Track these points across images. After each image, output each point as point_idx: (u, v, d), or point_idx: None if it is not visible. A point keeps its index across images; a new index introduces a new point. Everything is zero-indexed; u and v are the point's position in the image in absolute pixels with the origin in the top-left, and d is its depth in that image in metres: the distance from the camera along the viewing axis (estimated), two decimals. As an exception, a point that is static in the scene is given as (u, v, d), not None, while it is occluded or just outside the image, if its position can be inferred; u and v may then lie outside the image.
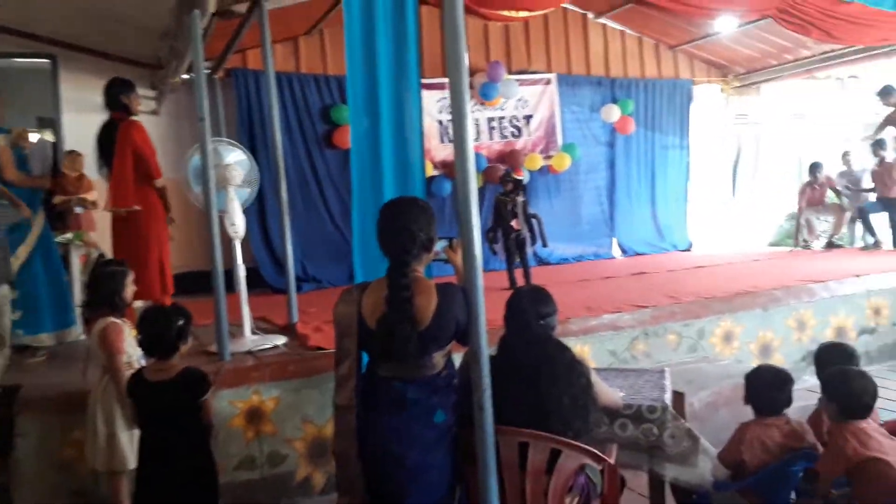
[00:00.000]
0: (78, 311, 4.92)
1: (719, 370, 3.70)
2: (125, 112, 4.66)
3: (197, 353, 4.09)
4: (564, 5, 9.11)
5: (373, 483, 2.42)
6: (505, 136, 9.13)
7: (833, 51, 9.00)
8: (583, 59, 9.67)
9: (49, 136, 7.74)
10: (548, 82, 9.32)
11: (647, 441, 2.84)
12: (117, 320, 3.25)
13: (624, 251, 9.78)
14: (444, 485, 2.41)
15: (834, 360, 2.91)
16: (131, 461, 3.12)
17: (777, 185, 10.64)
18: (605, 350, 4.91)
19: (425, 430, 2.36)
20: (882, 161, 8.22)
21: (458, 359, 2.52)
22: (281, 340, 4.50)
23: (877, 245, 8.30)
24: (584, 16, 9.61)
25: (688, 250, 10.04)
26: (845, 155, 9.07)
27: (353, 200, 3.07)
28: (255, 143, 7.58)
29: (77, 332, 4.89)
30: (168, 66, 6.43)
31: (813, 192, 8.91)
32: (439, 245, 2.57)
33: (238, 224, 4.47)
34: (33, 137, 5.90)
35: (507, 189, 6.81)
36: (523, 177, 8.47)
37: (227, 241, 4.40)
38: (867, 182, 8.64)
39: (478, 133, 8.88)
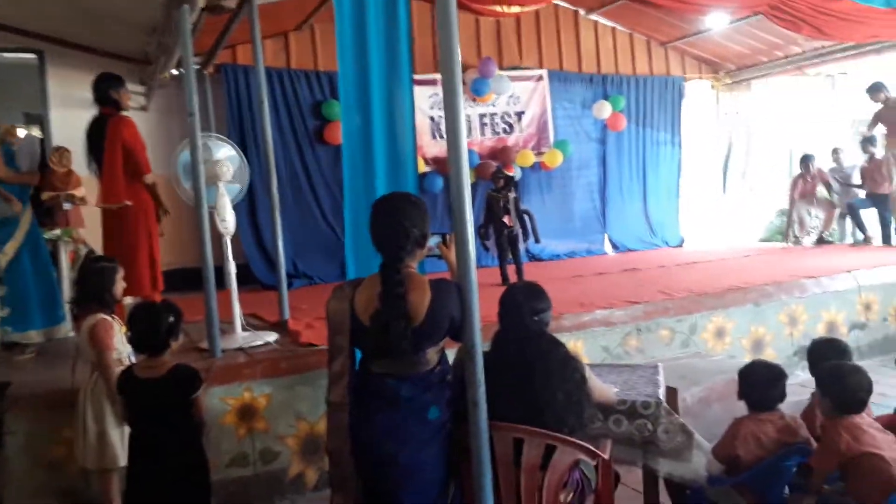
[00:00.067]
0: (67, 308, 4.88)
1: (712, 365, 3.69)
2: (115, 107, 4.62)
3: (188, 350, 4.08)
4: (556, 1, 9.13)
5: (366, 480, 2.41)
6: (496, 133, 9.10)
7: (823, 47, 9.05)
8: (574, 56, 9.67)
9: (36, 132, 7.67)
10: (539, 79, 9.30)
11: (642, 436, 2.84)
12: (107, 317, 3.23)
13: (616, 247, 9.80)
14: (438, 481, 2.39)
15: (827, 356, 2.92)
16: (122, 459, 3.10)
17: (768, 181, 10.68)
18: (598, 346, 4.92)
19: (419, 427, 2.34)
20: (872, 157, 8.27)
21: (451, 355, 2.51)
22: (272, 337, 4.48)
23: (866, 241, 8.36)
24: (576, 12, 9.60)
25: (679, 246, 10.07)
26: (835, 151, 9.10)
27: (344, 197, 3.06)
28: (245, 139, 7.54)
29: (66, 328, 4.86)
30: (157, 61, 6.37)
31: (805, 185, 8.94)
32: (432, 241, 2.56)
33: (228, 220, 4.44)
34: (20, 133, 5.85)
35: (498, 185, 6.81)
36: (515, 173, 8.46)
37: (218, 238, 4.39)
38: (857, 178, 8.68)
39: (469, 129, 8.83)
